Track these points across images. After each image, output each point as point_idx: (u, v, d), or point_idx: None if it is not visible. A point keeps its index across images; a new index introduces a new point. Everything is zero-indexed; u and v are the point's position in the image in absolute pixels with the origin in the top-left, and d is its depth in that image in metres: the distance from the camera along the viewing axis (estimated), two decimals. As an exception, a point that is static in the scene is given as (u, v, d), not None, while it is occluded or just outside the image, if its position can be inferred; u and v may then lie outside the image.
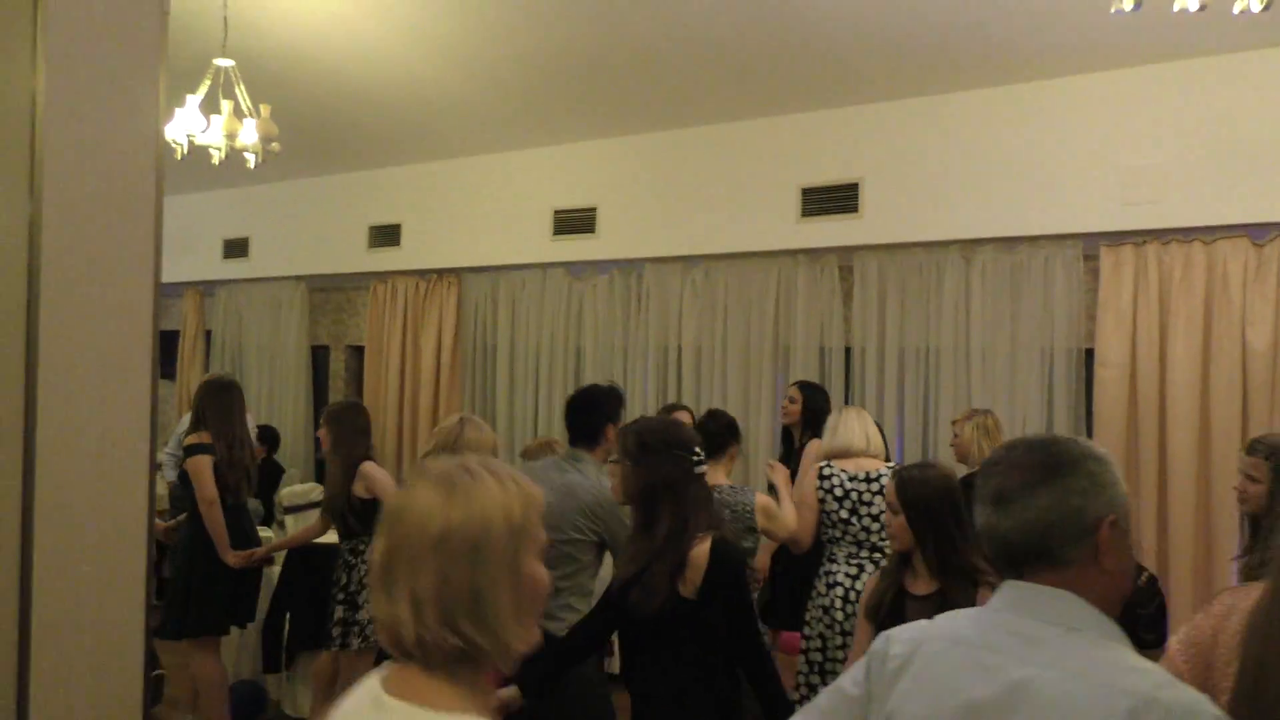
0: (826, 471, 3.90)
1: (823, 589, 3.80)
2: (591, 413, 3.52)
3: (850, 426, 4.02)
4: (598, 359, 6.60)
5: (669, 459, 2.70)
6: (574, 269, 6.74)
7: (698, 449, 2.75)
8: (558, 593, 3.52)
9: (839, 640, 3.64)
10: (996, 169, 4.99)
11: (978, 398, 5.10)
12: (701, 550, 2.60)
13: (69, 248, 2.38)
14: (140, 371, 2.53)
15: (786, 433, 5.06)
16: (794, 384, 5.06)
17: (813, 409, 4.77)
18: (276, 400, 8.52)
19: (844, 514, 3.83)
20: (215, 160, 4.70)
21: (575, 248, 6.48)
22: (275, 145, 4.74)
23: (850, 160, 5.42)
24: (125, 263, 2.52)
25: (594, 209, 6.37)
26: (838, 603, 3.69)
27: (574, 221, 6.45)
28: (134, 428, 2.48)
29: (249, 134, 4.66)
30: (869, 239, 5.37)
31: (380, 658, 4.08)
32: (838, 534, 3.85)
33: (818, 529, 3.86)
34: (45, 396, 2.31)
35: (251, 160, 4.79)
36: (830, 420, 4.17)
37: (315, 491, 6.16)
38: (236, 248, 8.44)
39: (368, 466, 4.12)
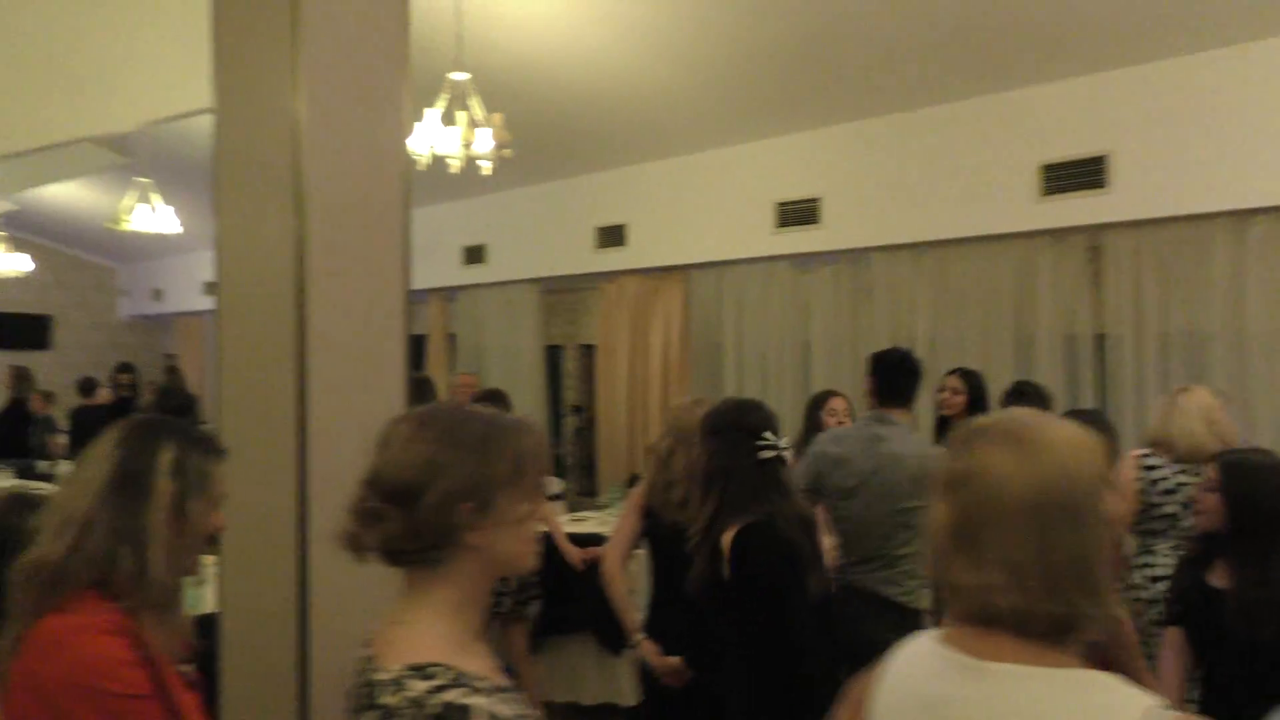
0: (1150, 462, 3.63)
1: (1141, 581, 3.61)
2: (904, 373, 3.55)
3: (1186, 412, 3.67)
4: (826, 353, 6.46)
5: (732, 442, 2.72)
6: (798, 261, 6.63)
7: (768, 434, 2.72)
8: (899, 560, 3.50)
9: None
10: (1270, 130, 4.46)
11: (1257, 387, 4.59)
12: (729, 536, 2.63)
13: (329, 260, 2.56)
14: (394, 373, 2.69)
15: (943, 424, 4.69)
16: (953, 372, 4.72)
17: (976, 399, 4.48)
18: (516, 398, 8.89)
19: (1170, 509, 3.59)
20: (454, 169, 4.95)
21: (799, 239, 6.37)
22: (508, 151, 4.94)
23: (1095, 132, 5.01)
24: (378, 270, 2.69)
25: (817, 199, 6.24)
26: (1159, 598, 3.47)
27: (797, 213, 6.35)
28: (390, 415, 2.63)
29: (484, 143, 4.88)
30: (1120, 215, 4.95)
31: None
32: (1160, 527, 3.64)
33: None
34: (314, 398, 2.49)
35: (487, 166, 5.01)
36: (1158, 405, 3.88)
37: (555, 485, 6.39)
38: (475, 254, 8.90)
39: None
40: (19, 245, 11.49)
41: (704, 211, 6.94)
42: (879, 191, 5.93)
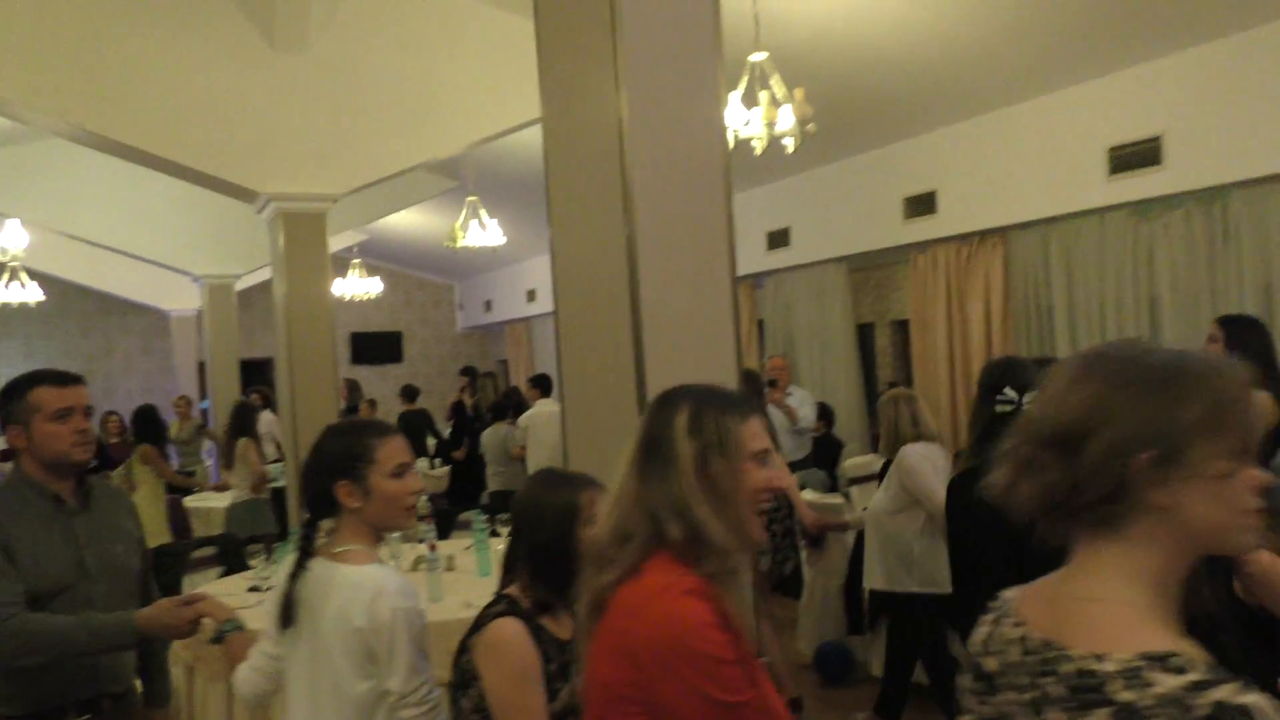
0: None
1: None
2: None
3: None
4: (1176, 307, 5.79)
5: (982, 396, 3.00)
6: (1138, 209, 5.99)
7: (1008, 390, 2.85)
8: None
9: None
10: None
11: None
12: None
13: (657, 252, 2.60)
14: (726, 357, 2.68)
15: None
16: (1217, 320, 3.93)
17: (1242, 350, 3.68)
18: (828, 380, 8.78)
19: None
20: (757, 151, 4.92)
21: (1138, 185, 5.74)
22: (811, 126, 4.84)
23: None
24: (705, 258, 2.68)
25: (1158, 138, 5.59)
26: None
27: (1134, 156, 5.72)
28: None
29: (786, 120, 4.81)
30: None
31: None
32: None
33: None
34: (652, 386, 2.54)
35: (790, 144, 4.94)
36: None
37: (878, 463, 6.22)
38: (778, 238, 8.86)
39: None
40: (371, 270, 12.91)
41: (1023, 167, 6.44)
42: (1233, 121, 5.21)
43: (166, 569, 5.01)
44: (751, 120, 4.86)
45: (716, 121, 2.75)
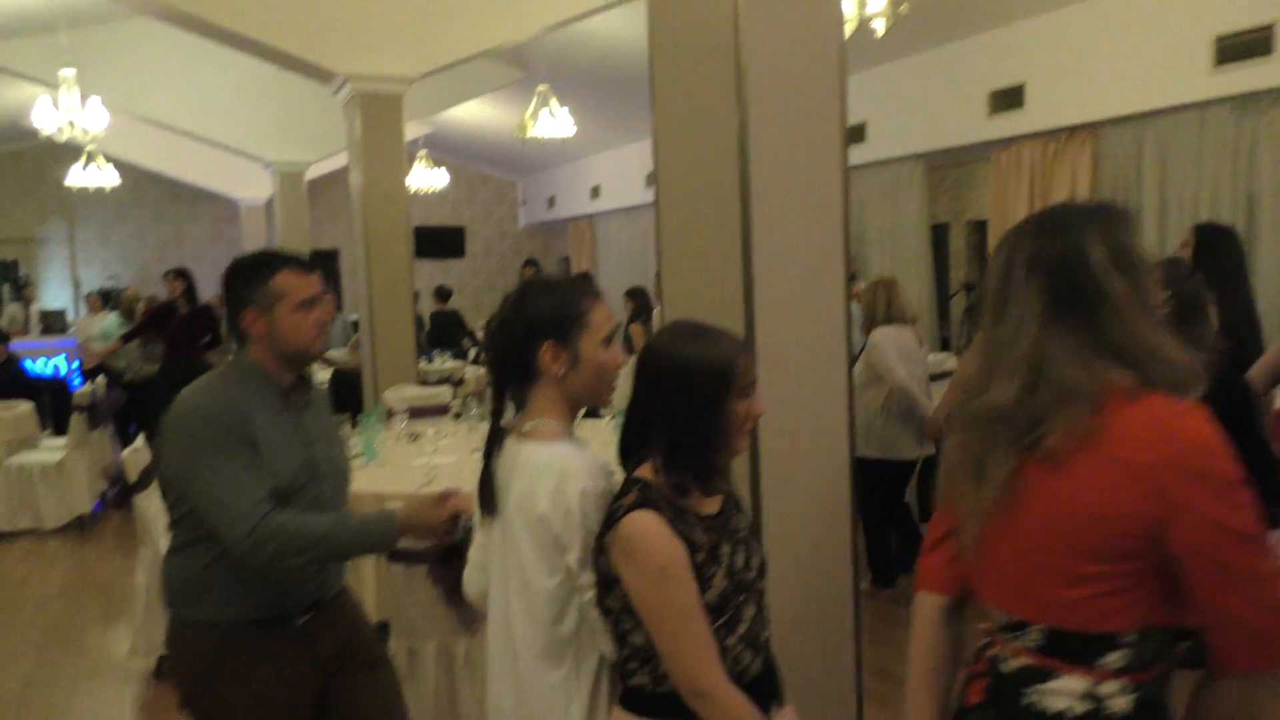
0: None
1: None
2: None
3: None
4: (1277, 208, 5.58)
5: None
6: (1241, 103, 5.73)
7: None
8: None
9: None
10: None
11: None
12: None
13: (769, 141, 2.48)
14: (835, 253, 2.60)
15: None
16: (1194, 226, 3.90)
17: (1211, 259, 3.68)
18: (899, 280, 8.63)
19: None
20: (846, 34, 4.77)
21: (1246, 76, 5.48)
22: (904, 7, 4.68)
23: None
24: (816, 148, 2.56)
25: (1270, 26, 5.31)
26: None
27: (1243, 45, 5.45)
28: (833, 323, 2.61)
29: (877, 1, 4.65)
30: None
31: None
32: None
33: None
34: (759, 283, 2.49)
35: (880, 27, 4.78)
36: None
37: (950, 361, 6.18)
38: (854, 134, 8.64)
39: None
40: (436, 164, 12.90)
41: (1119, 58, 6.18)
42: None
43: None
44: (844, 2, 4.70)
45: (834, 6, 2.63)
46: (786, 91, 2.52)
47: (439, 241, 15.62)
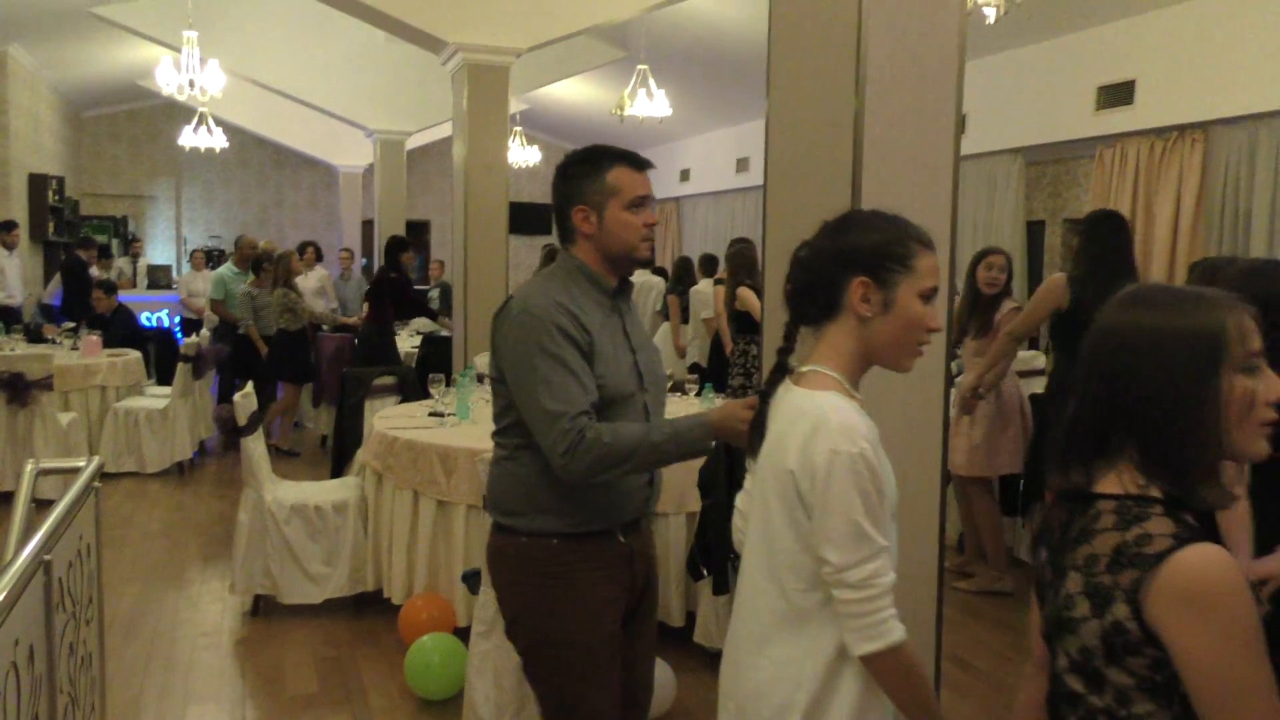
0: None
1: None
2: None
3: None
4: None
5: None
6: (1367, 108, 5.53)
7: None
8: None
9: None
10: None
11: None
12: None
13: (883, 129, 2.48)
14: (942, 249, 2.59)
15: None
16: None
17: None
18: (990, 276, 8.53)
19: None
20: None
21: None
22: (1020, -3, 4.62)
23: None
24: (930, 141, 2.55)
25: (1404, 27, 5.12)
26: None
27: (1373, 47, 5.26)
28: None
29: (994, -10, 4.61)
30: None
31: None
32: None
33: None
34: None
35: (991, 15, 4.74)
36: None
37: (1040, 359, 6.09)
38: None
39: None
40: (530, 141, 13.08)
41: (1234, 56, 6.00)
42: None
43: (351, 392, 5.37)
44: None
45: None
46: (905, 78, 2.53)
47: (528, 218, 15.80)
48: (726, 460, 3.58)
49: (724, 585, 3.62)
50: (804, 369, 1.60)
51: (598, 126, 13.31)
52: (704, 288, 7.60)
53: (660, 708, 3.43)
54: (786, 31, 2.75)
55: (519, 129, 12.61)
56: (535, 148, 12.96)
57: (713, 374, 6.31)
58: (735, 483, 3.48)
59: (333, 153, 13.60)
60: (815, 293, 1.60)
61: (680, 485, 3.89)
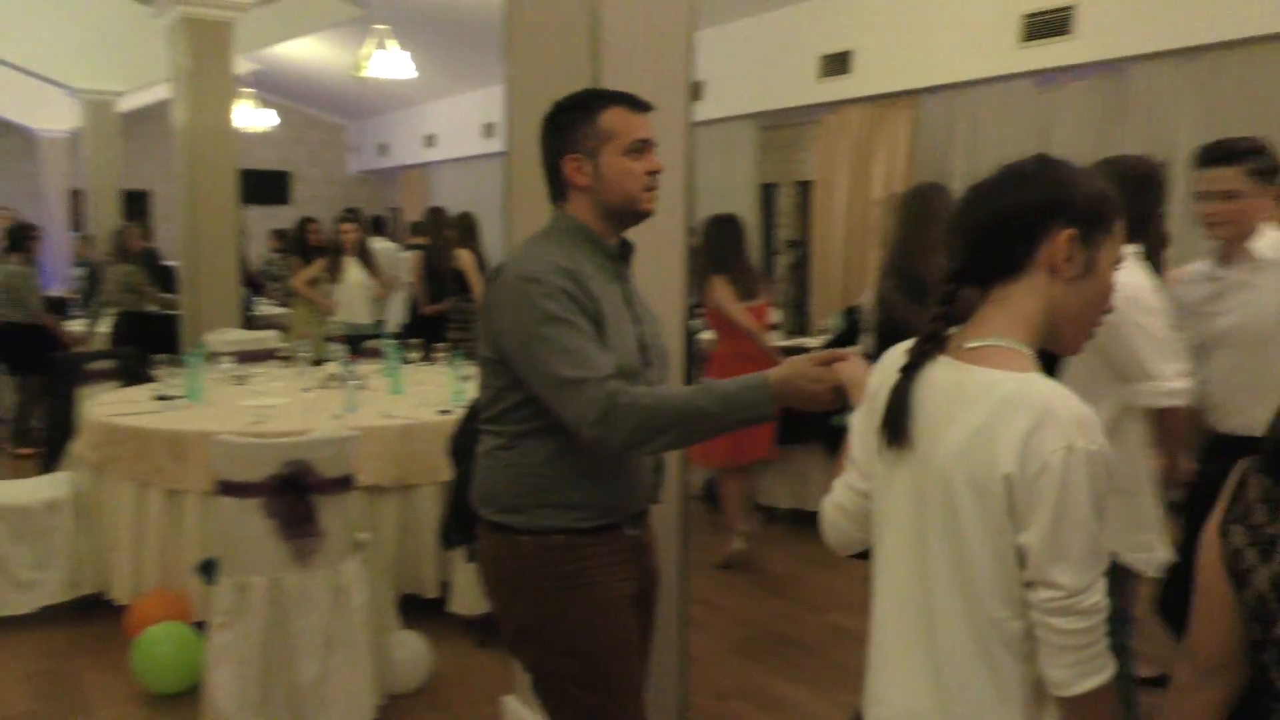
0: None
1: None
2: None
3: None
4: (1069, 177, 6.08)
5: None
6: (1042, 79, 6.20)
7: None
8: None
9: None
10: None
11: None
12: None
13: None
14: (676, 206, 2.67)
15: None
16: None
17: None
18: (730, 238, 8.92)
19: None
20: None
21: (1048, 53, 5.93)
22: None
23: None
24: (664, 108, 2.61)
25: (1070, 6, 5.76)
26: None
27: (1046, 23, 5.89)
28: (673, 273, 2.66)
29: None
30: None
31: None
32: None
33: None
34: None
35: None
36: None
37: (773, 315, 6.46)
38: (692, 91, 8.80)
39: None
40: (263, 104, 12.30)
41: (939, 30, 6.55)
42: (1141, -6, 5.41)
43: (62, 379, 4.89)
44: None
45: None
46: (638, 45, 2.58)
47: (263, 186, 14.91)
48: (476, 426, 3.56)
49: (477, 553, 3.61)
50: (978, 343, 1.32)
51: (337, 88, 12.73)
52: (399, 252, 7.95)
53: (417, 679, 3.39)
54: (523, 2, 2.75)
55: (250, 91, 11.83)
56: (271, 111, 12.21)
57: (413, 333, 6.34)
58: (486, 449, 3.52)
59: (30, 114, 12.20)
60: (1005, 242, 1.32)
61: (432, 454, 3.83)
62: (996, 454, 1.22)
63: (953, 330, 1.37)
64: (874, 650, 1.43)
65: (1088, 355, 2.47)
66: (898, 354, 1.41)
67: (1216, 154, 2.68)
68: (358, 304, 6.51)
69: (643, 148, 1.87)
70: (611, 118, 1.86)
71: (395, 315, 7.47)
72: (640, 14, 2.58)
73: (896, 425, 1.34)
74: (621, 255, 1.96)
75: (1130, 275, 2.29)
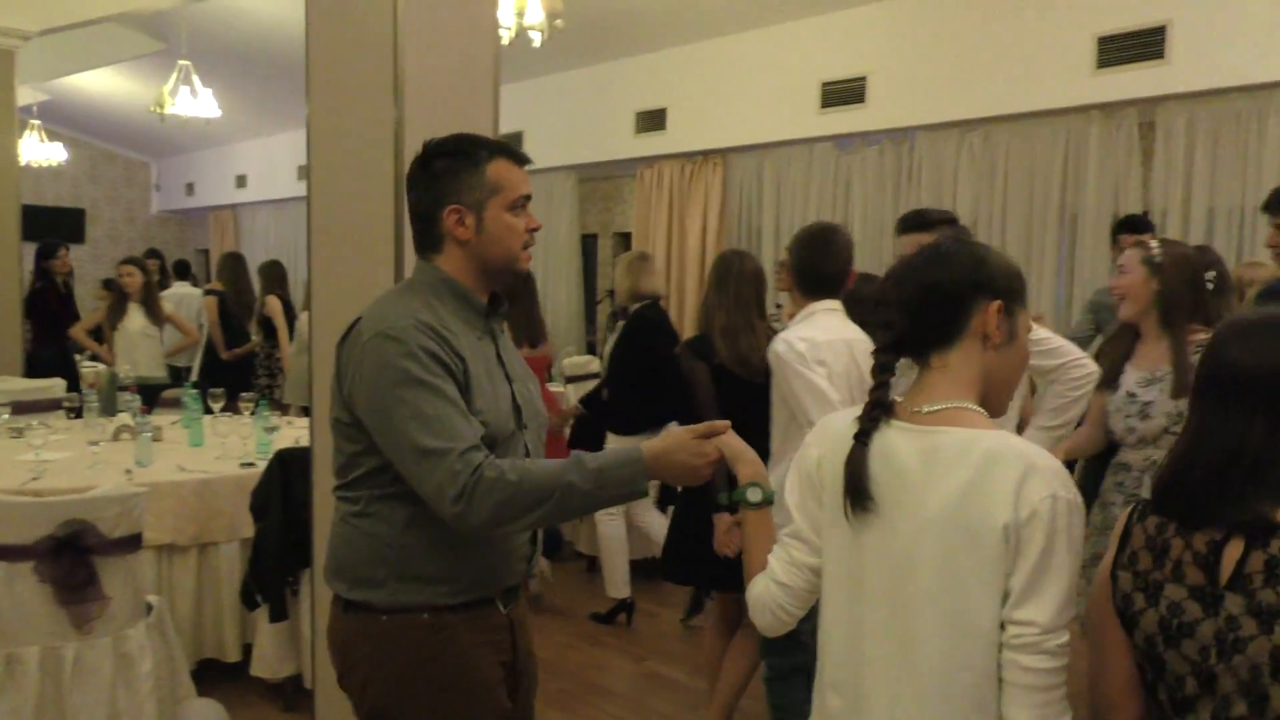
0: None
1: None
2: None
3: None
4: (866, 235, 6.50)
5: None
6: (842, 143, 6.62)
7: None
8: None
9: None
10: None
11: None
12: None
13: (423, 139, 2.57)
14: None
15: None
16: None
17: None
18: (551, 286, 9.01)
19: None
20: (505, 40, 4.94)
21: (844, 120, 6.35)
22: (559, 22, 4.93)
23: (1153, 0, 4.95)
24: None
25: (863, 78, 6.20)
26: None
27: (843, 92, 6.31)
28: None
29: (535, 13, 4.87)
30: (1178, 87, 4.92)
31: None
32: None
33: None
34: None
35: (537, 39, 5.00)
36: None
37: (594, 363, 6.54)
38: (511, 141, 8.87)
39: None
40: (52, 137, 11.52)
41: (747, 93, 6.90)
42: (927, 67, 5.89)
43: None
44: (501, 9, 4.87)
45: (490, 14, 2.75)
46: (442, 91, 2.61)
47: (54, 223, 13.89)
48: (282, 479, 3.43)
49: (282, 612, 3.46)
50: (937, 406, 1.40)
51: (135, 124, 12.07)
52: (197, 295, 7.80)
53: (213, 752, 3.19)
54: (324, 40, 2.73)
55: (36, 122, 11.07)
56: (59, 144, 11.44)
57: (207, 381, 6.07)
58: (291, 503, 3.39)
59: None
60: (938, 314, 1.42)
61: (232, 510, 3.66)
62: (991, 506, 1.29)
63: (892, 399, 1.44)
64: (853, 695, 1.42)
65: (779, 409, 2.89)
66: (838, 425, 1.48)
67: (914, 221, 2.97)
68: (140, 353, 6.15)
69: (524, 204, 1.79)
70: (498, 170, 1.75)
71: (194, 362, 7.13)
72: (444, 60, 2.61)
73: (861, 491, 1.38)
74: (493, 311, 1.84)
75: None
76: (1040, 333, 2.77)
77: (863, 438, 1.40)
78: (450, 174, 1.74)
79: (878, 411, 1.42)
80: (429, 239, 1.78)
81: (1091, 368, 2.79)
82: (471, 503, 1.56)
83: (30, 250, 12.78)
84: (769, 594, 1.53)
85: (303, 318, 5.87)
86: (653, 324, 4.46)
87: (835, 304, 2.92)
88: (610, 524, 4.61)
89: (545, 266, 9.08)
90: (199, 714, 3.18)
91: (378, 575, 1.71)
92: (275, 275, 6.90)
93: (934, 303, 1.42)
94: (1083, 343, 3.95)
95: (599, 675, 4.06)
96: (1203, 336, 2.69)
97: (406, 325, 1.65)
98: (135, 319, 6.14)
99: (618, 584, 4.56)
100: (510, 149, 1.80)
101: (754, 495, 1.59)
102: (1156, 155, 5.20)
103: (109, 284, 8.22)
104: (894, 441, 1.39)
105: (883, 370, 1.44)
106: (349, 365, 1.70)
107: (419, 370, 1.61)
